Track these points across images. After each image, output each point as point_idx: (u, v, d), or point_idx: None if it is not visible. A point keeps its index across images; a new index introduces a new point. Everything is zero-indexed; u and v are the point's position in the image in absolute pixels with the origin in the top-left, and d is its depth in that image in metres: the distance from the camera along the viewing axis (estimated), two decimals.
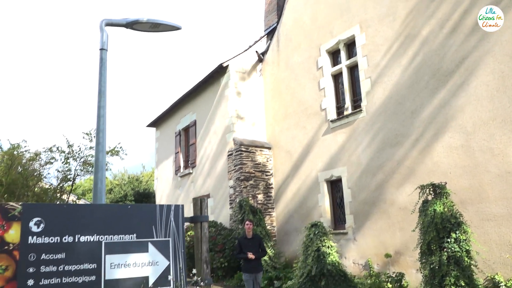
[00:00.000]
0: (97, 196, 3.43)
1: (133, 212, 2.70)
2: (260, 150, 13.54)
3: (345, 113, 11.02)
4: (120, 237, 2.59)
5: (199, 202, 2.86)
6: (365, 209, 10.09)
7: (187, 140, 17.30)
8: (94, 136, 12.16)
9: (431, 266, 6.93)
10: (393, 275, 8.61)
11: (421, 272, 7.34)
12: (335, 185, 11.39)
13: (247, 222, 8.10)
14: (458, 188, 7.97)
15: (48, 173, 13.11)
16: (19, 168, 11.88)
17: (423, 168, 8.79)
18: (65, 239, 2.42)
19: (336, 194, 11.37)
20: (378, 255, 9.64)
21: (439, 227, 6.90)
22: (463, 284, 6.63)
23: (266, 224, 12.38)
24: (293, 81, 13.11)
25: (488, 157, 7.77)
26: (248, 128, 13.94)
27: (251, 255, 7.62)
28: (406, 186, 9.07)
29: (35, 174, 12.32)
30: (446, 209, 7.04)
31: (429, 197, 7.42)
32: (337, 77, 11.78)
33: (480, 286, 6.88)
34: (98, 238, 2.52)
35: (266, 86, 14.53)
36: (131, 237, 2.63)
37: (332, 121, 11.28)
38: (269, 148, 13.73)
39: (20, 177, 11.24)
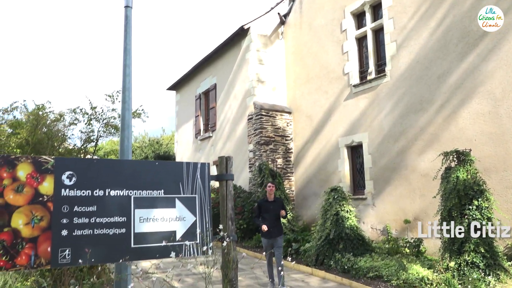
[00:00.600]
0: (124, 154, 3.48)
1: (160, 169, 2.74)
2: (281, 115, 13.48)
3: (368, 77, 10.79)
4: (148, 193, 2.64)
5: (225, 161, 2.89)
6: (385, 175, 10.05)
7: (207, 104, 17.32)
8: (116, 98, 12.26)
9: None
10: (411, 241, 8.65)
11: (440, 238, 7.36)
12: (355, 151, 11.33)
13: (269, 184, 7.48)
14: (483, 156, 7.83)
15: (72, 134, 13.31)
16: (44, 128, 12.12)
17: (447, 135, 8.63)
18: (96, 193, 2.48)
19: (356, 160, 11.32)
20: (397, 220, 9.67)
21: (461, 194, 6.84)
22: (482, 251, 6.64)
23: (285, 188, 12.48)
24: (315, 44, 12.83)
25: None
26: (269, 92, 13.83)
27: (264, 227, 6.97)
28: (428, 152, 8.95)
29: (59, 134, 12.57)
30: (469, 176, 6.96)
31: (452, 164, 7.34)
32: (361, 40, 11.47)
33: (499, 253, 6.87)
34: (127, 192, 2.58)
35: (287, 49, 14.27)
36: (159, 192, 2.68)
37: (354, 85, 11.08)
38: (290, 113, 13.65)
39: (45, 137, 11.49)
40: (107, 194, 2.52)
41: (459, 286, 6.52)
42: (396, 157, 9.77)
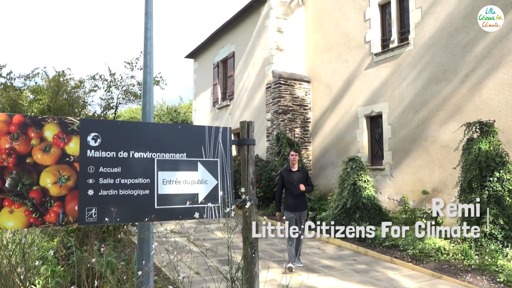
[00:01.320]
0: (146, 119, 3.51)
1: (183, 132, 2.76)
2: (299, 84, 13.33)
3: (391, 46, 10.52)
4: (171, 155, 2.67)
5: (246, 126, 2.88)
6: (405, 146, 9.94)
7: (225, 72, 17.22)
8: (135, 65, 12.27)
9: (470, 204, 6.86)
10: (429, 211, 8.63)
11: (458, 211, 7.31)
12: (374, 121, 11.20)
13: (291, 153, 6.72)
14: (507, 127, 7.65)
15: (92, 101, 13.50)
16: (64, 95, 12.27)
17: (470, 106, 8.43)
18: (120, 154, 2.52)
19: (375, 130, 11.21)
20: (414, 191, 9.63)
21: (483, 165, 6.75)
22: (501, 223, 6.60)
23: (302, 158, 12.49)
24: (336, 11, 12.50)
25: None
26: (288, 60, 13.64)
27: (303, 187, 6.45)
28: (450, 123, 8.79)
29: (79, 101, 12.73)
30: (491, 148, 6.84)
31: (475, 135, 7.21)
32: (384, 7, 11.11)
33: None
34: (151, 155, 2.61)
35: (307, 16, 13.94)
36: (181, 156, 2.71)
37: (376, 54, 10.83)
38: (308, 82, 13.48)
39: (66, 104, 11.66)
40: (131, 156, 2.55)
41: (476, 256, 6.53)
42: (416, 128, 9.63)
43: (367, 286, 5.75)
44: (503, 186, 6.69)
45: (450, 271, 6.33)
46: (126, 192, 2.51)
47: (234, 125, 15.77)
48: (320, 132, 12.95)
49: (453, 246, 6.99)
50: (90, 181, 2.42)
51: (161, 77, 12.92)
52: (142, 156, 2.59)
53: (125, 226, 6.67)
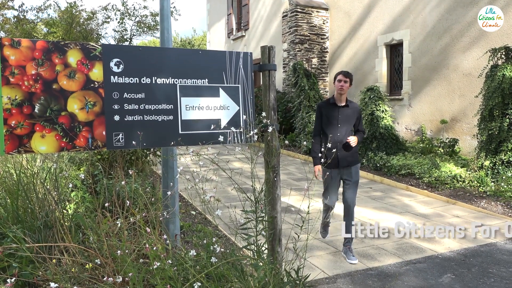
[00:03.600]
0: (165, 46, 3.48)
1: (204, 58, 2.75)
2: (317, 11, 12.83)
3: None
4: (193, 81, 2.68)
5: (267, 50, 2.84)
6: (425, 75, 9.71)
7: (239, 1, 16.60)
8: None
9: (490, 132, 6.84)
10: (446, 141, 8.63)
11: (477, 138, 7.30)
12: (394, 49, 10.86)
13: (339, 77, 4.10)
14: None
15: (106, 33, 13.38)
16: (78, 27, 12.12)
17: (497, 31, 8.06)
18: (143, 80, 2.54)
19: (395, 59, 10.90)
20: (433, 121, 9.56)
21: (506, 92, 6.60)
22: None
23: (319, 89, 12.34)
24: None
25: None
26: None
27: (354, 141, 4.06)
28: (474, 50, 8.48)
29: (93, 34, 12.58)
30: None
31: (500, 62, 6.98)
32: None
33: None
34: (173, 81, 2.62)
35: None
36: (203, 81, 2.71)
37: None
38: (326, 9, 12.95)
39: (80, 36, 11.55)
40: (153, 82, 2.57)
41: (492, 183, 6.61)
42: (438, 55, 9.33)
43: (382, 212, 5.93)
44: None
45: (465, 197, 6.45)
46: (151, 117, 2.56)
47: None
48: (338, 62, 12.66)
49: (469, 174, 7.06)
50: (116, 106, 2.46)
51: (174, 7, 12.57)
52: (164, 82, 2.60)
53: (147, 157, 6.90)
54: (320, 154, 3.96)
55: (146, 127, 2.54)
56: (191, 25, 64.78)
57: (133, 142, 2.46)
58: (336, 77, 4.15)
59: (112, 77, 2.46)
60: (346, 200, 4.25)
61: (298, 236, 2.68)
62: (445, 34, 9.14)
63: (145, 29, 12.71)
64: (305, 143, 7.36)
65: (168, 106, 2.60)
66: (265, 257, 2.70)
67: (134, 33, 12.70)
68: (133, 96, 2.51)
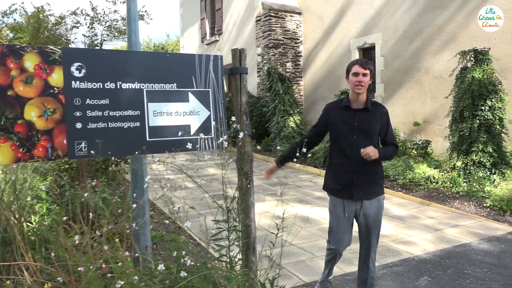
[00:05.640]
0: (132, 50, 3.35)
1: (172, 61, 2.64)
2: (290, 16, 12.86)
3: None
4: (161, 86, 2.57)
5: (238, 53, 2.75)
6: (397, 77, 9.83)
7: (212, 5, 16.51)
8: None
9: (461, 133, 6.94)
10: (419, 143, 8.73)
11: (449, 139, 7.40)
12: (367, 53, 10.97)
13: (354, 70, 2.86)
14: (501, 55, 7.54)
15: (75, 38, 13.07)
16: (46, 32, 11.77)
17: (465, 34, 8.23)
18: (107, 85, 2.41)
19: None
20: (406, 123, 9.67)
21: (475, 94, 6.72)
22: (490, 150, 6.70)
23: (294, 93, 12.34)
24: None
25: None
26: None
27: (372, 153, 2.73)
28: (444, 53, 8.63)
29: (62, 39, 12.24)
30: (485, 76, 6.78)
31: (469, 64, 7.10)
32: None
33: (507, 153, 6.94)
34: (140, 85, 2.50)
35: None
36: (172, 86, 2.60)
37: None
38: (300, 14, 13.00)
39: (48, 42, 11.21)
40: (118, 87, 2.44)
41: (464, 184, 6.70)
42: (410, 58, 9.47)
43: None
44: (494, 115, 6.71)
45: (438, 198, 6.52)
46: (116, 124, 2.43)
47: (224, 61, 15.38)
48: (312, 66, 12.71)
49: (442, 175, 7.14)
50: (77, 113, 2.32)
51: (145, 11, 12.41)
52: (130, 87, 2.47)
53: (118, 165, 6.69)
54: (287, 155, 3.13)
55: (111, 135, 2.41)
56: (164, 30, 64.21)
57: (92, 152, 2.32)
58: (350, 70, 2.89)
59: (73, 82, 2.32)
60: (364, 247, 3.03)
61: (274, 244, 2.59)
62: (416, 38, 9.28)
63: (116, 33, 12.46)
64: (278, 147, 7.29)
65: (134, 112, 2.48)
66: (239, 268, 2.59)
67: (105, 38, 12.43)
68: (96, 102, 2.37)
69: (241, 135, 2.55)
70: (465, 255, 4.30)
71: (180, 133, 2.53)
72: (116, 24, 12.09)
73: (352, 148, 2.88)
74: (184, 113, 2.63)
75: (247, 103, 2.81)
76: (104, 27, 12.17)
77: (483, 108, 6.71)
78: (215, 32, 16.24)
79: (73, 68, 2.31)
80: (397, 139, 9.37)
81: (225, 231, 2.45)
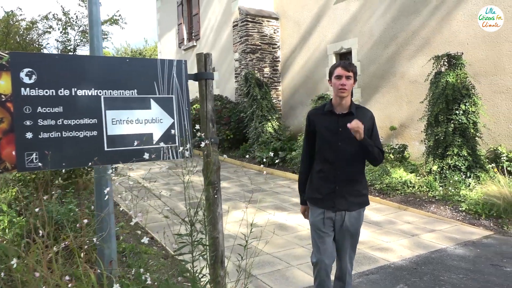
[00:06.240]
0: (95, 55, 3.20)
1: (132, 67, 2.50)
2: (267, 21, 12.82)
3: None
4: (120, 92, 2.43)
5: (203, 58, 2.64)
6: (373, 82, 9.87)
7: (190, 11, 16.36)
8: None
9: (436, 137, 6.97)
10: (396, 147, 8.75)
11: (425, 144, 7.43)
12: (344, 58, 10.99)
13: (336, 72, 2.71)
14: (474, 60, 7.62)
15: (48, 43, 12.68)
16: (16, 37, 11.41)
17: (439, 39, 8.30)
18: (60, 92, 2.26)
19: None
20: (383, 128, 9.70)
21: (450, 98, 6.76)
22: (465, 154, 6.73)
23: (272, 98, 12.27)
24: None
25: None
26: None
27: (357, 125, 2.58)
28: (419, 57, 8.69)
29: (34, 44, 11.89)
30: (458, 81, 6.82)
31: (443, 69, 7.15)
32: None
33: (482, 156, 6.99)
34: (97, 92, 2.36)
35: None
36: (132, 92, 2.47)
37: None
38: (277, 19, 12.97)
39: (18, 47, 10.85)
40: (73, 93, 2.29)
41: (440, 187, 6.71)
42: (386, 63, 9.51)
43: None
44: (468, 119, 6.76)
45: (415, 202, 6.51)
46: (71, 134, 2.28)
47: None
48: (290, 71, 12.68)
49: (418, 179, 7.15)
50: (28, 123, 2.16)
51: (120, 15, 12.12)
52: (86, 94, 2.33)
53: (89, 174, 6.46)
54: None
55: (65, 145, 2.26)
56: (143, 35, 63.61)
57: (40, 164, 2.16)
58: (333, 72, 2.74)
59: (22, 89, 2.16)
60: (340, 258, 2.87)
61: (242, 257, 2.47)
62: (391, 43, 9.34)
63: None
64: (257, 153, 7.18)
65: (91, 121, 2.33)
66: (205, 283, 2.46)
67: (78, 43, 12.13)
68: (49, 110, 2.22)
69: (203, 144, 2.43)
70: (441, 261, 4.26)
71: (136, 143, 2.39)
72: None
73: (337, 156, 2.75)
74: (146, 121, 2.50)
75: (214, 110, 2.70)
76: (77, 32, 11.87)
77: (457, 112, 6.76)
78: (193, 37, 16.09)
79: (22, 74, 2.15)
80: None
81: (189, 246, 2.32)
